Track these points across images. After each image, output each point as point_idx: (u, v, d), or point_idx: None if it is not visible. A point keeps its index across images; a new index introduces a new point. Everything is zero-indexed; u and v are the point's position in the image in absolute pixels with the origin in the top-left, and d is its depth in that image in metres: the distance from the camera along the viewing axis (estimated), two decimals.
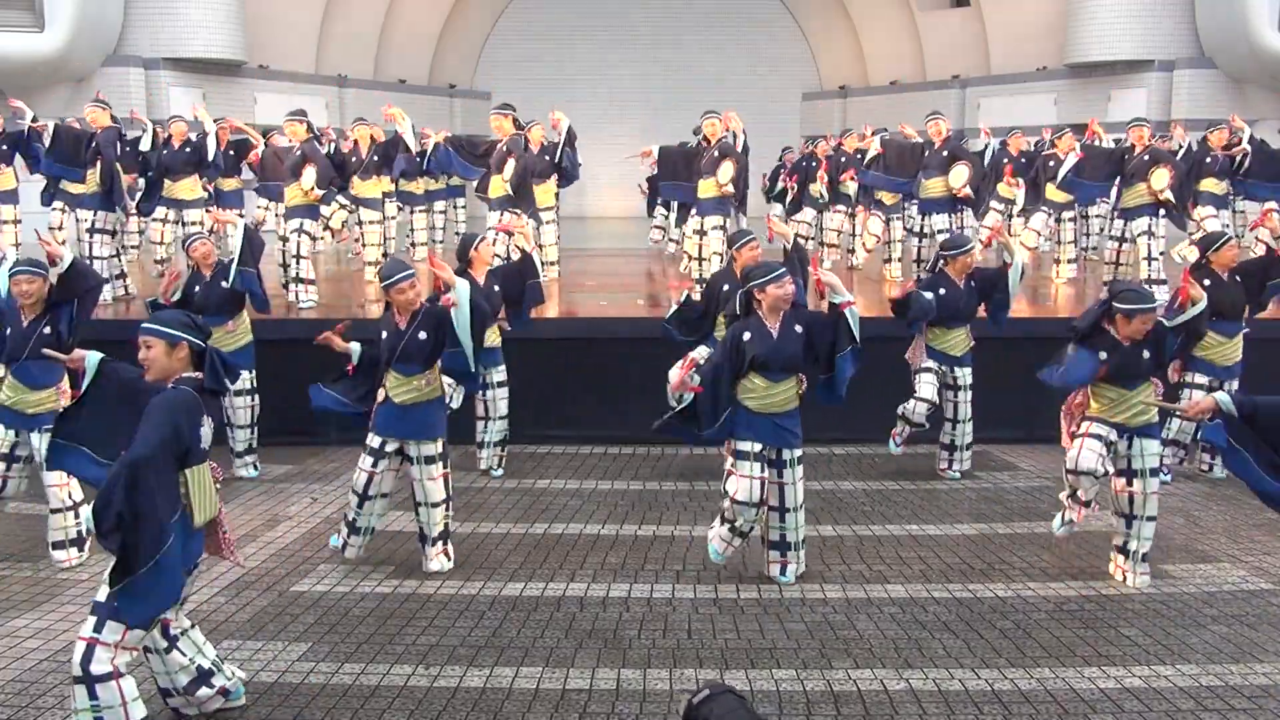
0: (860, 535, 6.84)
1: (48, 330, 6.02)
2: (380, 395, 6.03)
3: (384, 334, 5.98)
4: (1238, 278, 7.61)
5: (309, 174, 10.07)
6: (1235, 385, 7.88)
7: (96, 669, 3.94)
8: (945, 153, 11.30)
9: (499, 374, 7.98)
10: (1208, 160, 11.74)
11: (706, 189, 10.38)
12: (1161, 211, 10.39)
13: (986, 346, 8.01)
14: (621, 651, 5.15)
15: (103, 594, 4.01)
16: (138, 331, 4.25)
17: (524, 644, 5.22)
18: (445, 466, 6.12)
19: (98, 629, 3.97)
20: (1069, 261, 11.97)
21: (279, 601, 5.70)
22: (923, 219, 11.48)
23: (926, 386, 7.83)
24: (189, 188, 11.25)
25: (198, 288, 7.60)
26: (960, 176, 11.17)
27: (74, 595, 5.83)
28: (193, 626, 4.49)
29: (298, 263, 10.23)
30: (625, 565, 6.29)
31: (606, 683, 4.83)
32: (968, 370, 7.90)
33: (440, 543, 6.18)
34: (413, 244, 14.48)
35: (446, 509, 6.19)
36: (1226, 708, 4.61)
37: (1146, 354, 5.84)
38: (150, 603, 3.97)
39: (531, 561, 6.35)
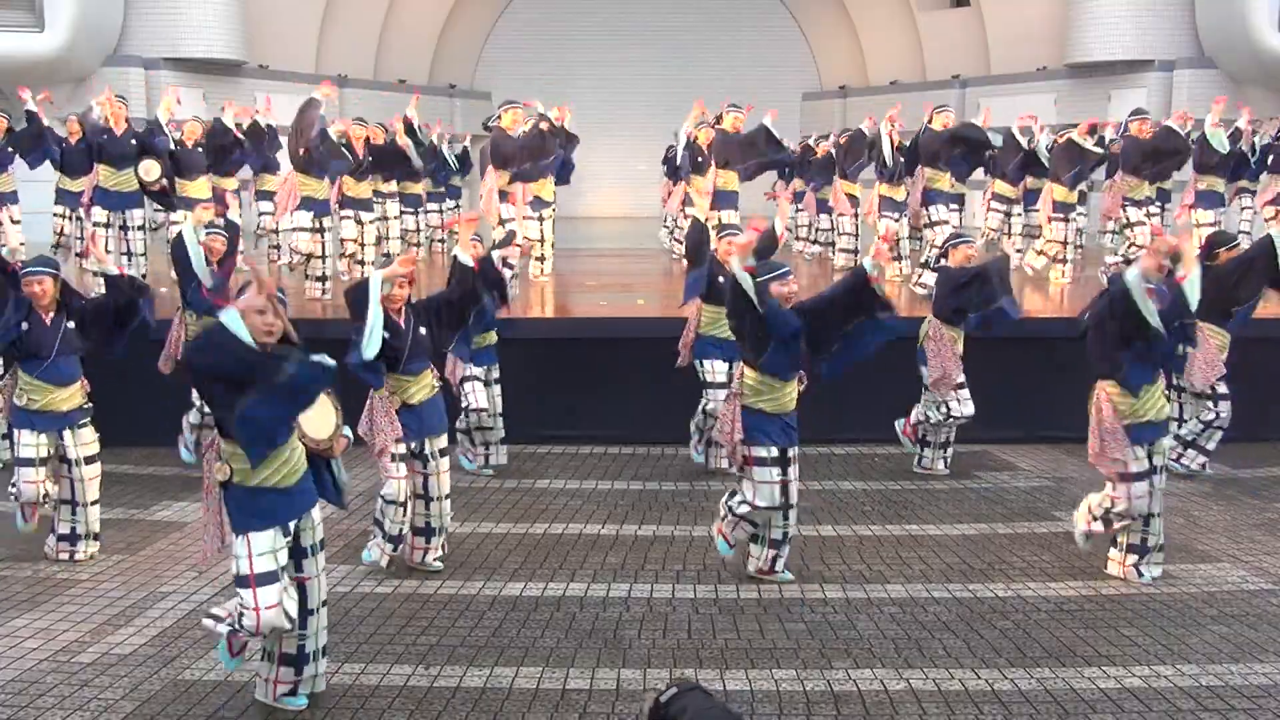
0: (860, 535, 6.84)
1: (71, 324, 6.11)
2: (396, 404, 5.89)
3: (386, 335, 5.93)
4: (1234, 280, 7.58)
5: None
6: (1222, 387, 7.88)
7: None
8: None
9: (495, 371, 7.96)
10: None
11: (729, 181, 10.48)
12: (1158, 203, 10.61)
13: (986, 346, 8.00)
14: (621, 651, 5.15)
15: None
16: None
17: (524, 644, 5.22)
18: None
19: None
20: (1066, 261, 11.99)
21: None
22: (926, 210, 11.44)
23: (969, 403, 7.75)
24: (202, 187, 11.31)
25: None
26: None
27: (74, 595, 5.83)
28: None
29: (321, 260, 10.38)
30: (625, 565, 6.29)
31: (606, 683, 4.83)
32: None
33: (443, 534, 6.19)
34: (416, 244, 14.50)
35: None
36: (1226, 708, 4.61)
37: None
38: None
39: (531, 561, 6.35)
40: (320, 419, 4.55)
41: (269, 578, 4.19)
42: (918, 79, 23.80)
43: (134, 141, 10.24)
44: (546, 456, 8.68)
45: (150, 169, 10.11)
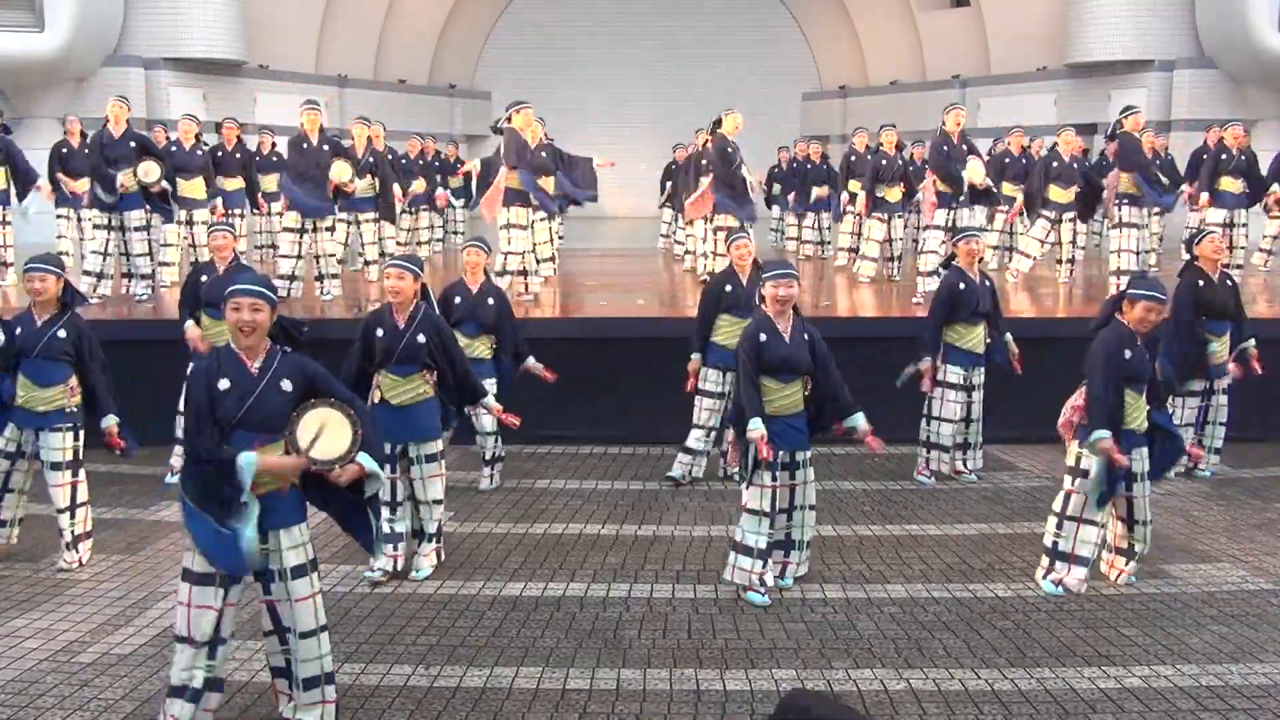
0: (860, 535, 6.84)
1: (62, 334, 6.00)
2: (376, 397, 5.95)
3: (379, 332, 5.89)
4: (1229, 281, 7.58)
5: (338, 167, 10.21)
6: (1225, 383, 7.89)
7: None
8: (964, 147, 11.29)
9: (491, 386, 7.61)
10: (1223, 158, 11.73)
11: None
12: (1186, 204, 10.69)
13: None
14: (621, 651, 5.15)
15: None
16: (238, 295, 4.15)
17: (524, 644, 5.22)
18: (443, 465, 6.15)
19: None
20: (1068, 262, 11.98)
21: None
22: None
23: (951, 405, 7.70)
24: (198, 188, 11.31)
25: (205, 278, 7.39)
26: (977, 169, 11.15)
27: (74, 595, 5.83)
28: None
29: (318, 260, 10.34)
30: (625, 565, 6.29)
31: (606, 683, 4.83)
32: (982, 368, 7.81)
33: (435, 540, 6.17)
34: (416, 243, 14.51)
35: (443, 507, 6.21)
36: (1226, 708, 4.61)
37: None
38: None
39: (531, 561, 6.35)
40: (333, 439, 4.17)
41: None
42: (918, 79, 23.83)
43: (133, 144, 10.24)
44: (546, 456, 8.68)
45: (149, 170, 10.11)
